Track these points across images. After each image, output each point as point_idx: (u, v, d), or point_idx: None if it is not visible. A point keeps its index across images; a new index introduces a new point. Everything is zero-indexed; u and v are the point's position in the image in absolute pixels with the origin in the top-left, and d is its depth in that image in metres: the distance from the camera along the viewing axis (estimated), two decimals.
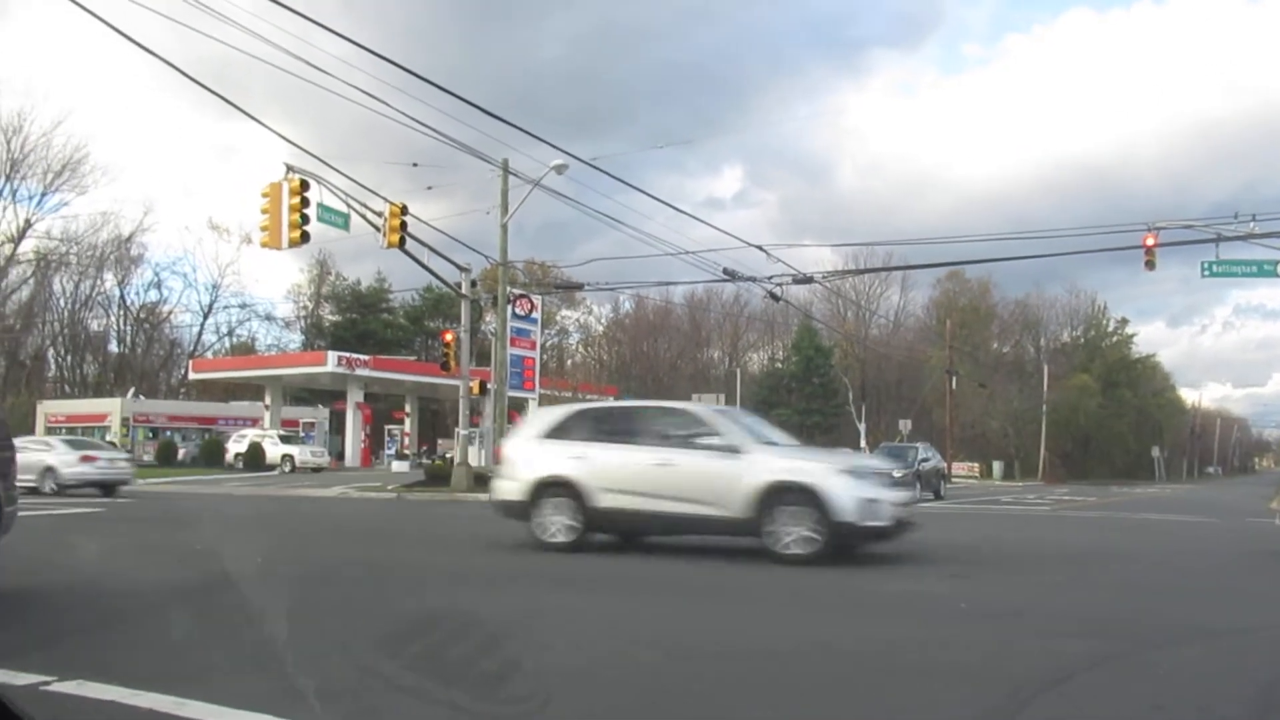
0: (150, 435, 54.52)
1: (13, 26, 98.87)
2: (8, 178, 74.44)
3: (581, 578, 10.14)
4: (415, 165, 30.19)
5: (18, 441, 12.21)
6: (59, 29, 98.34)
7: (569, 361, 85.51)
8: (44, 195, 76.18)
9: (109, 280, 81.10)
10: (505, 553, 12.37)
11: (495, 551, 12.66)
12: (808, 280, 32.13)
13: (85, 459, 26.91)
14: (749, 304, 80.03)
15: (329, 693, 4.94)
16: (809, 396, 78.85)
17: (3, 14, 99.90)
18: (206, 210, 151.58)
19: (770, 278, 30.28)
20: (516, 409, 42.11)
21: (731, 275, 30.12)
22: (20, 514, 9.30)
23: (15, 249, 76.11)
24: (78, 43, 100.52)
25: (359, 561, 11.79)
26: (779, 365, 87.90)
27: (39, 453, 26.63)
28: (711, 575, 10.88)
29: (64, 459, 26.71)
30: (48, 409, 59.83)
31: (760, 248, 29.17)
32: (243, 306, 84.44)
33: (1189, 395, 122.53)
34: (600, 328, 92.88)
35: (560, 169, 28.17)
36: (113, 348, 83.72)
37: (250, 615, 7.12)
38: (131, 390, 61.98)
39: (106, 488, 26.78)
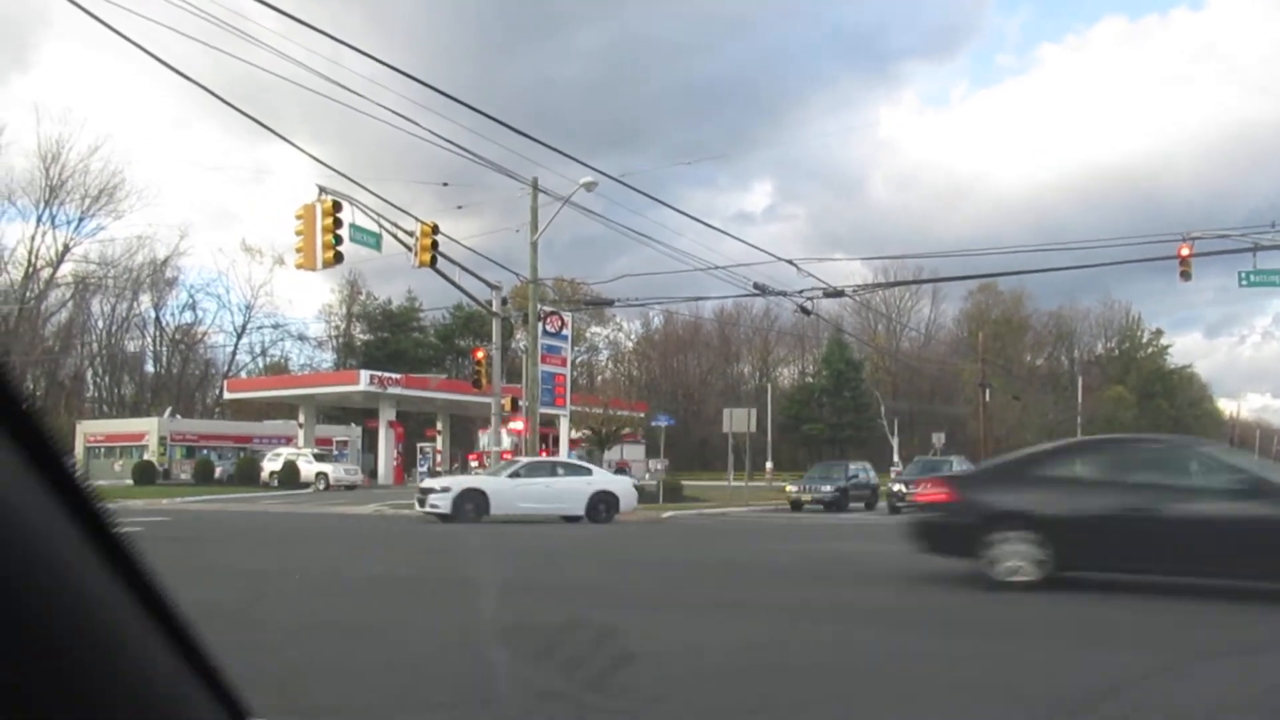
0: (187, 454, 55.11)
1: (50, 53, 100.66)
2: (46, 203, 75.80)
3: None
4: (445, 185, 30.74)
5: None
6: (96, 55, 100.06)
7: (599, 378, 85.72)
8: (81, 220, 77.41)
9: (145, 302, 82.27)
10: None
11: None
12: (838, 294, 32.04)
13: None
14: (779, 318, 79.89)
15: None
16: (840, 410, 78.56)
17: (40, 42, 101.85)
18: (240, 232, 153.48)
19: (800, 292, 30.19)
20: (548, 426, 42.25)
21: (762, 290, 30.10)
22: None
23: (54, 272, 77.40)
24: (114, 68, 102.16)
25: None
26: (810, 379, 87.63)
27: None
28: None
29: None
30: (86, 429, 60.61)
31: (791, 262, 29.12)
32: (276, 327, 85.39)
33: (1227, 406, 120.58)
34: (630, 344, 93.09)
35: (590, 186, 28.28)
36: (149, 368, 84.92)
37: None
38: (168, 410, 62.71)
39: None
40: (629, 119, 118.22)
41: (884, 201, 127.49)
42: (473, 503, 22.86)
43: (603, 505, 24.05)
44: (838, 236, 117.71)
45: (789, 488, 33.83)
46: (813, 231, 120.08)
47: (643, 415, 53.65)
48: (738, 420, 35.01)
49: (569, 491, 24.17)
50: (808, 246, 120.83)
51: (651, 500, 32.29)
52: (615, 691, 5.06)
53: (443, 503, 22.89)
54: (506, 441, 41.18)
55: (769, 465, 50.78)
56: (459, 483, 24.25)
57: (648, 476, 53.22)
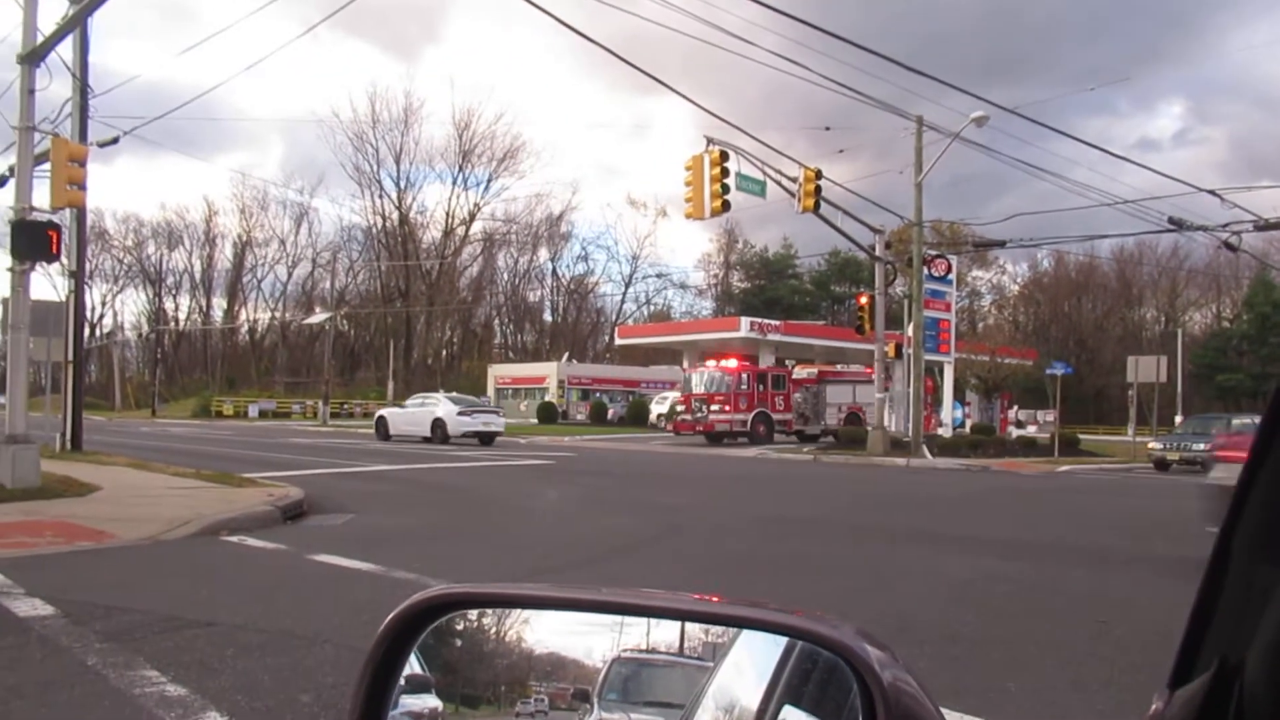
0: (582, 396, 59.35)
1: (462, 28, 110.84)
2: (460, 167, 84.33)
3: None
4: (827, 129, 30.19)
5: None
6: (494, 21, 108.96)
7: (980, 324, 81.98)
8: (489, 181, 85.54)
9: (543, 255, 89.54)
10: None
11: None
12: (1272, 226, 28.21)
13: None
14: (1189, 256, 72.30)
15: None
16: (1265, 359, 69.78)
17: (454, 21, 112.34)
18: (625, 186, 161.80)
19: (1225, 225, 26.84)
20: (929, 373, 40.64)
21: (1178, 225, 27.06)
22: None
23: (467, 230, 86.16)
24: (511, 34, 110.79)
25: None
26: (1227, 324, 78.62)
27: None
28: None
29: None
30: (496, 371, 66.95)
31: (1213, 192, 25.98)
32: (659, 276, 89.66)
33: None
34: (1015, 288, 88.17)
35: (981, 121, 26.78)
36: (547, 317, 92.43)
37: None
38: (566, 355, 67.85)
39: None
40: (1018, 44, 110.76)
41: None
42: (381, 428, 33.90)
43: (439, 429, 31.63)
44: (1265, 161, 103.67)
45: (1151, 444, 28.51)
46: (1233, 157, 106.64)
47: (1032, 363, 50.66)
48: (1144, 369, 31.97)
49: (422, 418, 32.42)
50: (1226, 174, 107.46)
51: (1046, 453, 30.50)
52: None
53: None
54: (718, 378, 36.06)
55: (1179, 419, 46.12)
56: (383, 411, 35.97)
57: (1033, 428, 50.29)
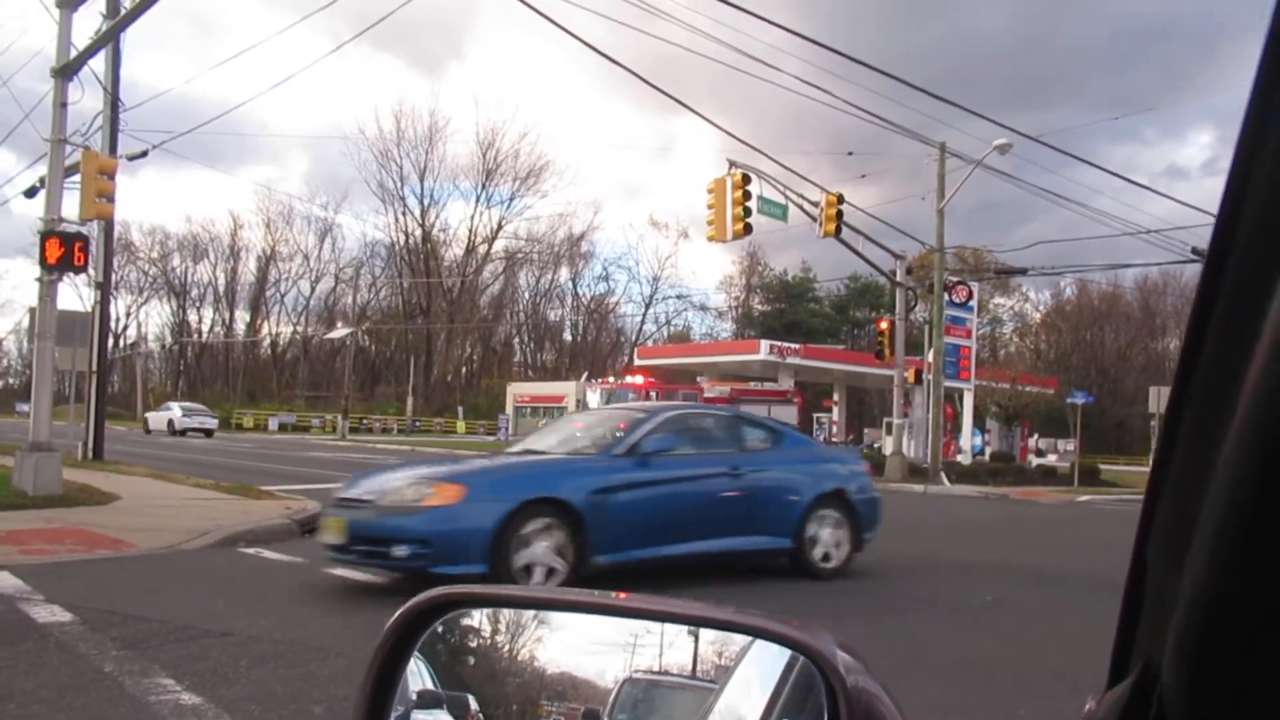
0: None
1: (486, 47, 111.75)
2: (483, 185, 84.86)
3: None
4: (850, 154, 30.18)
5: None
6: (524, 47, 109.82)
7: (1002, 352, 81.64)
8: (512, 200, 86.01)
9: (564, 275, 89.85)
10: None
11: None
12: None
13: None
14: None
15: None
16: None
17: (479, 38, 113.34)
18: (647, 207, 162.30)
19: None
20: (949, 400, 40.35)
21: (1201, 255, 26.93)
22: None
23: (489, 249, 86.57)
24: (537, 54, 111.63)
25: None
26: None
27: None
28: None
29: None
30: (515, 390, 67.04)
31: None
32: (679, 298, 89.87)
33: None
34: (1037, 316, 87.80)
35: (1004, 148, 26.76)
36: (567, 336, 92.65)
37: None
38: (585, 375, 67.87)
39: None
40: (1045, 71, 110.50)
41: None
42: (145, 424, 49.31)
43: (171, 425, 46.33)
44: None
45: None
46: None
47: (1053, 392, 50.29)
48: (1166, 400, 31.71)
49: (164, 418, 47.74)
50: None
51: (1066, 482, 30.30)
52: None
53: None
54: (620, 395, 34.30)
55: None
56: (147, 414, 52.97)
57: (1053, 457, 49.87)
